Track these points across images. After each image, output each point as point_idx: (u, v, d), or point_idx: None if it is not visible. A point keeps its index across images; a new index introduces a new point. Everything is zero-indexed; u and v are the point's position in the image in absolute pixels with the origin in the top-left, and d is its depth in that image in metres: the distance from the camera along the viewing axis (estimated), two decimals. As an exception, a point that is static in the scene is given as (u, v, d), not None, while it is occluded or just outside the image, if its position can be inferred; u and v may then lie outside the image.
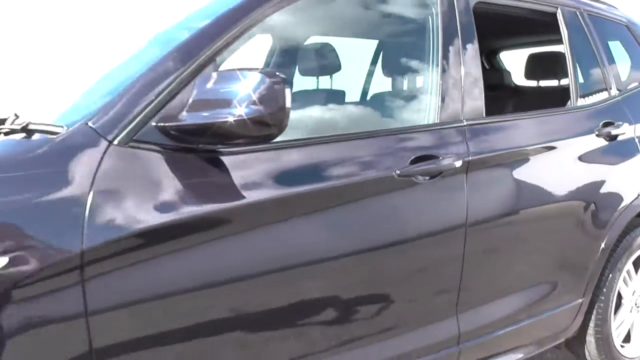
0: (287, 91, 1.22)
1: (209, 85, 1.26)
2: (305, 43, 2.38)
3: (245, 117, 1.22)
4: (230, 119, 1.23)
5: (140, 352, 1.27)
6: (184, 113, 1.25)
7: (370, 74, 2.27)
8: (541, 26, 2.32)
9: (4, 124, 1.81)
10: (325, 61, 2.35)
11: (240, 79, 1.24)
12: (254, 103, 1.21)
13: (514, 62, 3.17)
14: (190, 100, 1.26)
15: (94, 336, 1.21)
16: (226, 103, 1.24)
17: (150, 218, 1.24)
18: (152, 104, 1.30)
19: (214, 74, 1.28)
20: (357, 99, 2.23)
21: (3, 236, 1.13)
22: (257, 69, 1.26)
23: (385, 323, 1.64)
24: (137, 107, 1.29)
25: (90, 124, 1.27)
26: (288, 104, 1.22)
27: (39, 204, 1.17)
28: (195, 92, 1.26)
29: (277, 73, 1.24)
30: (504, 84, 2.90)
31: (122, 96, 1.31)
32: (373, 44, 2.52)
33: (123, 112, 1.28)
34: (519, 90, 2.91)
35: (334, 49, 2.35)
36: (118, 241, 1.21)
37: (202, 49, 1.38)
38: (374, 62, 2.18)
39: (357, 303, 1.57)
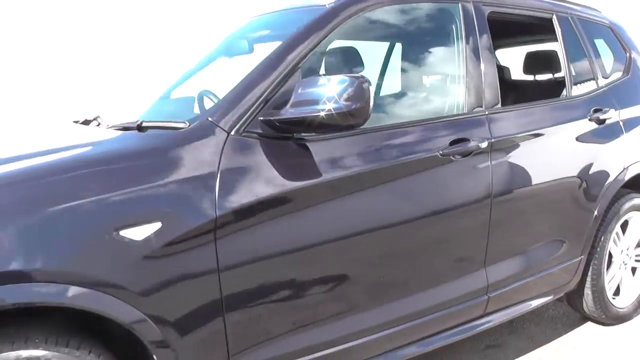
0: (371, 89, 1.58)
1: (306, 86, 1.61)
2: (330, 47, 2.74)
3: (333, 112, 1.58)
4: (322, 113, 1.58)
5: (255, 298, 1.62)
6: (288, 108, 1.60)
7: (398, 72, 2.65)
8: (539, 28, 2.73)
9: (88, 124, 2.16)
10: (352, 62, 2.70)
11: (328, 81, 1.60)
12: (344, 100, 1.56)
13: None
14: (293, 98, 1.61)
15: (223, 286, 1.55)
16: (317, 101, 1.59)
17: (261, 190, 1.60)
18: (258, 102, 1.65)
19: (309, 78, 1.64)
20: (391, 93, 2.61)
21: (156, 205, 1.47)
22: (343, 74, 1.61)
23: (432, 275, 2.02)
24: (247, 105, 1.64)
25: (210, 119, 1.62)
26: (371, 99, 1.58)
27: (181, 180, 1.51)
28: (296, 92, 1.61)
29: (362, 75, 1.60)
30: (505, 79, 3.30)
31: (234, 96, 1.66)
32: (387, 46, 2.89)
33: (237, 110, 1.63)
34: (516, 84, 3.32)
35: (358, 52, 2.72)
36: (240, 209, 1.56)
37: (291, 55, 1.73)
38: (403, 62, 2.54)
39: (413, 258, 1.96)
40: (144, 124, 1.72)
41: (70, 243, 1.34)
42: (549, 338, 2.70)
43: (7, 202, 1.33)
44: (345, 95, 1.57)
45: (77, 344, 1.41)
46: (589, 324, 2.83)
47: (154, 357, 1.47)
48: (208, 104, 2.34)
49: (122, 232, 1.39)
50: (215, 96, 2.25)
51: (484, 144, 2.06)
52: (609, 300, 2.74)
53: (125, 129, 1.82)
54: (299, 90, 1.61)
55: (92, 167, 1.45)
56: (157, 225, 1.45)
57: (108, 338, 1.49)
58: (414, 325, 1.96)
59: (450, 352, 2.52)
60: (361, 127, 1.70)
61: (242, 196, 1.57)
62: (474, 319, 2.18)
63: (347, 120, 1.58)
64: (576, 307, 2.79)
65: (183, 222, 1.49)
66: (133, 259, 1.40)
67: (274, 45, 2.01)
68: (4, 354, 1.31)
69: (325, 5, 1.94)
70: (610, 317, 2.77)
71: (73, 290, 1.33)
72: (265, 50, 2.24)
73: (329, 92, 1.58)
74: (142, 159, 1.51)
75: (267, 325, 1.66)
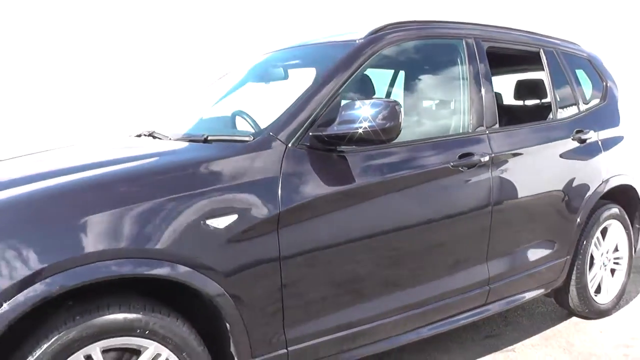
0: (402, 111, 1.97)
1: (348, 108, 1.99)
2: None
3: (369, 129, 1.95)
4: (360, 130, 1.96)
5: (306, 280, 1.97)
6: (334, 125, 1.98)
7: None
8: (528, 60, 3.16)
9: (153, 137, 2.53)
10: (366, 87, 3.10)
11: (366, 104, 1.98)
12: (379, 119, 1.94)
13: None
14: (339, 118, 1.98)
15: (283, 269, 1.90)
16: (356, 120, 1.97)
17: (313, 192, 1.96)
18: (309, 121, 2.02)
19: (352, 101, 2.01)
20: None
21: (233, 201, 1.82)
22: (380, 98, 2.00)
23: (446, 266, 2.40)
24: (300, 123, 2.01)
25: (272, 134, 1.99)
26: (402, 119, 1.97)
27: (252, 182, 1.87)
28: (341, 112, 1.99)
29: (395, 100, 1.99)
30: (498, 103, 3.73)
31: (288, 116, 2.03)
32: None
33: (292, 126, 2.00)
34: (507, 107, 3.75)
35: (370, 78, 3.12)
36: (296, 207, 1.92)
37: (331, 83, 2.12)
38: (416, 88, 2.95)
39: (430, 251, 2.34)
40: (209, 137, 2.10)
41: (175, 230, 1.69)
42: (540, 329, 3.08)
43: (134, 193, 1.68)
44: (380, 116, 1.95)
45: (167, 312, 1.74)
46: (574, 318, 3.21)
47: (228, 325, 1.81)
48: (241, 122, 2.73)
49: (209, 222, 1.74)
50: (249, 116, 2.64)
51: (486, 158, 2.46)
52: (591, 296, 3.13)
53: (191, 141, 2.18)
54: (343, 112, 1.99)
55: (184, 170, 1.81)
56: (234, 217, 1.80)
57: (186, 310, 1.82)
58: (432, 309, 2.33)
59: (454, 342, 2.88)
60: (397, 143, 2.10)
61: (298, 197, 1.93)
62: (477, 306, 2.56)
63: (381, 137, 1.96)
64: (563, 303, 3.17)
65: (254, 216, 1.84)
66: (217, 243, 1.75)
67: (310, 72, 2.42)
68: (113, 315, 1.63)
69: (355, 41, 2.34)
70: (592, 312, 3.16)
71: (180, 268, 1.67)
72: (300, 77, 2.64)
73: (366, 113, 1.96)
74: (221, 165, 1.87)
75: (313, 303, 2.01)
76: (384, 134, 1.96)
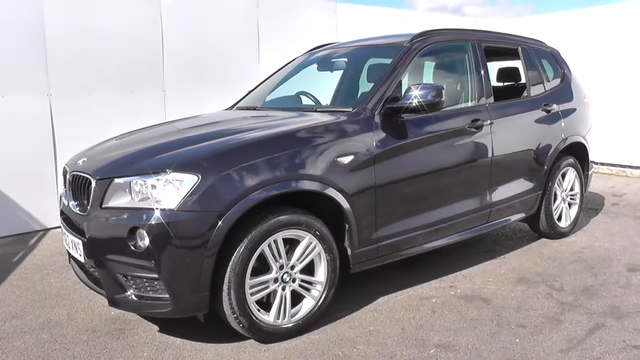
0: (443, 91, 3.10)
1: (412, 88, 3.10)
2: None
3: (423, 103, 3.07)
4: (414, 102, 3.08)
5: (390, 197, 3.07)
6: (401, 101, 3.09)
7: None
8: (509, 53, 4.37)
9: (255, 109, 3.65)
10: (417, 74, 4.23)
11: (421, 86, 3.09)
12: (430, 96, 3.06)
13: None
14: (403, 95, 3.09)
15: (377, 192, 2.99)
16: (415, 96, 3.09)
17: (389, 143, 3.07)
18: (385, 98, 3.14)
19: (414, 84, 3.11)
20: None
21: (351, 147, 2.90)
22: (429, 83, 3.13)
23: (465, 193, 3.58)
24: (383, 97, 3.12)
25: (364, 105, 3.09)
26: (444, 96, 3.10)
27: (359, 135, 2.95)
28: (407, 92, 3.10)
29: (440, 84, 3.12)
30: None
31: (373, 95, 3.14)
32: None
33: (379, 100, 3.11)
34: (494, 87, 4.96)
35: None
36: (381, 152, 3.02)
37: (395, 72, 3.24)
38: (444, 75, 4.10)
39: (457, 184, 3.52)
40: (317, 109, 3.21)
41: (323, 163, 2.78)
42: (520, 246, 4.35)
43: (299, 141, 2.75)
44: (429, 95, 3.06)
45: (314, 216, 2.82)
46: (542, 239, 4.49)
47: (347, 226, 2.90)
48: (306, 100, 3.87)
49: (338, 159, 2.84)
50: (312, 95, 3.79)
51: (487, 122, 3.65)
52: (555, 222, 4.41)
53: (304, 110, 3.29)
54: (405, 92, 3.10)
55: (325, 128, 2.91)
56: (351, 157, 2.90)
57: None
58: (459, 222, 3.53)
59: (463, 255, 4.09)
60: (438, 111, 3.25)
61: (382, 145, 3.04)
62: (482, 223, 3.76)
63: (429, 108, 3.08)
64: (534, 226, 4.43)
65: (361, 156, 2.93)
66: (343, 172, 2.85)
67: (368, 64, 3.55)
68: (290, 215, 2.69)
69: (404, 44, 3.47)
70: (556, 234, 4.44)
71: (324, 186, 2.76)
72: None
73: (420, 92, 3.08)
74: (342, 125, 2.96)
75: (390, 214, 3.14)
76: (432, 107, 3.08)
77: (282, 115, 3.30)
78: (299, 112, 3.35)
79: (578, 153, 4.58)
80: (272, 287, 2.70)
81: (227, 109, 4.20)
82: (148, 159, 2.65)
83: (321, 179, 2.76)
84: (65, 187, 3.06)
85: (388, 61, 3.46)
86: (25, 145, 4.94)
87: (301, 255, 2.77)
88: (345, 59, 3.97)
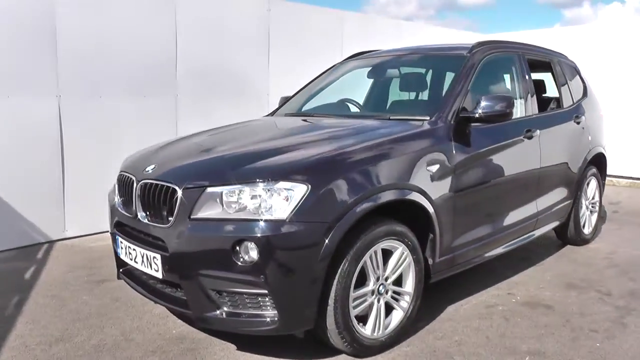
0: (514, 101, 3.17)
1: (484, 100, 3.14)
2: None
3: (491, 113, 3.12)
4: (487, 112, 3.12)
5: (466, 206, 3.09)
6: (475, 110, 3.12)
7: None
8: (543, 66, 4.51)
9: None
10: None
11: (494, 98, 3.13)
12: (499, 107, 3.10)
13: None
14: (479, 107, 3.13)
15: (455, 201, 3.01)
16: (487, 106, 3.13)
17: (464, 151, 3.10)
18: (457, 108, 3.16)
19: (486, 95, 3.16)
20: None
21: (437, 155, 2.90)
22: (501, 94, 3.19)
23: (521, 202, 3.67)
24: (457, 107, 3.14)
25: (442, 114, 3.10)
26: (514, 107, 3.16)
27: (441, 143, 2.96)
28: (479, 102, 3.13)
29: (510, 95, 3.18)
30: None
31: (448, 102, 3.16)
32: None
33: (452, 110, 3.13)
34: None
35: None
36: (459, 161, 3.04)
37: (462, 83, 3.28)
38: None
39: (517, 194, 3.60)
40: (392, 117, 3.20)
41: (418, 172, 2.76)
42: (550, 254, 4.50)
43: (391, 151, 2.72)
44: (499, 106, 3.11)
45: (406, 226, 2.79)
46: (568, 246, 4.67)
47: (431, 235, 2.89)
48: (351, 106, 3.87)
49: (428, 168, 2.84)
50: (356, 101, 3.81)
51: (537, 133, 3.77)
52: (581, 229, 4.59)
53: (377, 118, 3.28)
54: (479, 102, 3.14)
55: (411, 138, 2.89)
56: (437, 166, 2.90)
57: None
58: (517, 229, 3.60)
59: (506, 262, 4.18)
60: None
61: (460, 154, 3.06)
62: (531, 230, 3.87)
63: (499, 119, 3.14)
64: (561, 234, 4.60)
65: (445, 165, 2.93)
66: (431, 181, 2.84)
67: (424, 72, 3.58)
68: (389, 226, 2.64)
69: (464, 54, 3.52)
70: (581, 240, 4.64)
71: (414, 195, 2.74)
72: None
73: (491, 102, 3.13)
74: (430, 134, 2.97)
75: (467, 222, 3.16)
76: (503, 117, 3.14)
77: (359, 123, 3.25)
78: (372, 119, 3.32)
79: (598, 163, 4.80)
80: (369, 299, 2.65)
81: (273, 115, 4.12)
82: (243, 167, 2.51)
83: (418, 188, 2.75)
84: (123, 196, 2.89)
85: (449, 71, 3.51)
86: (31, 149, 4.61)
87: (395, 266, 2.74)
88: (398, 68, 3.99)
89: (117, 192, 2.97)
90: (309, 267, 2.33)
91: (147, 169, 2.73)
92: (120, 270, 3.01)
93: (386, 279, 2.72)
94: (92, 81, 4.89)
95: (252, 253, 2.27)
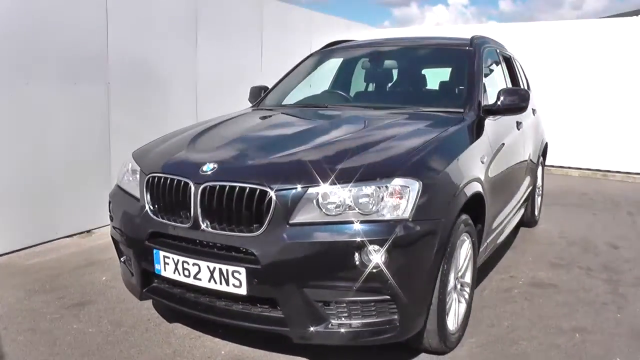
0: (530, 93, 3.30)
1: (503, 93, 3.21)
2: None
3: (510, 105, 3.22)
4: (507, 104, 3.22)
5: (492, 189, 3.14)
6: (496, 103, 3.19)
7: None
8: (506, 61, 4.79)
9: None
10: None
11: (511, 90, 3.25)
12: (517, 100, 3.21)
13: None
14: (499, 99, 3.19)
15: (484, 184, 3.05)
16: (508, 100, 3.22)
17: (493, 141, 3.16)
18: (480, 101, 3.21)
19: (505, 88, 3.25)
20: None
21: (483, 145, 2.92)
22: (518, 87, 3.31)
23: (517, 188, 3.86)
24: (480, 99, 3.19)
25: (475, 106, 3.12)
26: (530, 100, 3.29)
27: (482, 135, 2.98)
28: (498, 95, 3.20)
29: (525, 88, 3.31)
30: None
31: (473, 94, 3.19)
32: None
33: (479, 102, 3.17)
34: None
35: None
36: (493, 150, 3.10)
37: (481, 74, 3.35)
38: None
39: (515, 181, 3.77)
40: (426, 110, 3.15)
41: (480, 164, 2.74)
42: (514, 236, 4.82)
43: (454, 148, 2.64)
44: (520, 97, 3.23)
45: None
46: (523, 229, 5.05)
47: (481, 228, 2.91)
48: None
49: (479, 158, 2.83)
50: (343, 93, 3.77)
51: (522, 125, 4.01)
52: (534, 211, 5.01)
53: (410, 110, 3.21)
54: (500, 95, 3.21)
55: (469, 130, 2.87)
56: (485, 157, 2.91)
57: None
58: (513, 216, 3.78)
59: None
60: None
61: (491, 145, 3.11)
62: (517, 214, 4.11)
63: (517, 111, 3.24)
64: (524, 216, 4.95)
65: (486, 155, 2.94)
66: (482, 170, 2.84)
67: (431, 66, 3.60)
68: (464, 218, 2.58)
69: (467, 48, 3.60)
70: (534, 222, 5.07)
71: (479, 186, 2.72)
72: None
73: (511, 95, 3.23)
74: (475, 126, 2.97)
75: (493, 211, 3.22)
76: (520, 110, 3.24)
77: (402, 116, 3.15)
78: (405, 111, 3.23)
79: (545, 153, 5.27)
80: (452, 295, 2.58)
81: (257, 106, 3.80)
82: (344, 166, 2.25)
83: (479, 179, 2.75)
84: (162, 202, 2.41)
85: (455, 63, 3.58)
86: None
87: (464, 259, 2.70)
88: (396, 60, 3.93)
89: (147, 197, 2.48)
90: (426, 267, 2.21)
91: (203, 169, 2.32)
92: (145, 289, 2.53)
93: (459, 272, 2.66)
94: (17, 66, 4.04)
95: (375, 257, 2.05)
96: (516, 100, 3.19)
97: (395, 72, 3.99)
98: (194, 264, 2.24)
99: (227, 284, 2.17)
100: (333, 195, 2.13)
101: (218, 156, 2.47)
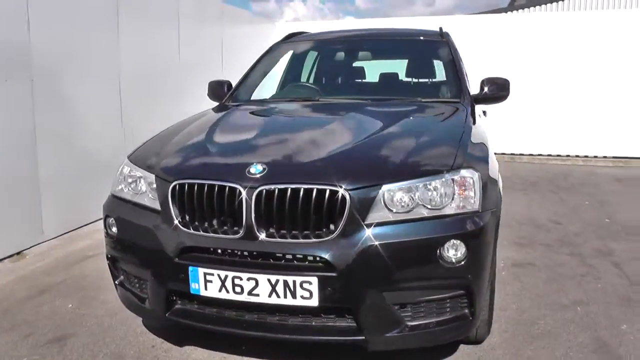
0: (509, 83, 3.40)
1: (486, 82, 3.29)
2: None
3: (491, 95, 3.31)
4: (490, 94, 3.31)
5: None
6: (480, 92, 3.25)
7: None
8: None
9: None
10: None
11: (495, 81, 3.33)
12: (496, 89, 3.31)
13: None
14: (482, 87, 3.25)
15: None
16: (491, 89, 3.30)
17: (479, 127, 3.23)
18: (467, 88, 3.26)
19: (486, 78, 3.32)
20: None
21: (481, 129, 2.96)
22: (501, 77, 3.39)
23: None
24: (468, 89, 3.23)
25: (465, 98, 3.15)
26: (509, 89, 3.38)
27: (474, 118, 3.02)
28: (481, 84, 3.27)
29: (506, 78, 3.40)
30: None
31: (463, 84, 3.23)
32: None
33: (469, 92, 3.21)
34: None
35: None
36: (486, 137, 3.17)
37: (461, 63, 3.38)
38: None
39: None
40: (429, 101, 3.13)
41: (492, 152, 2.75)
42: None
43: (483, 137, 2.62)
44: (502, 86, 3.32)
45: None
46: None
47: None
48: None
49: (487, 145, 2.85)
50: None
51: (482, 112, 4.15)
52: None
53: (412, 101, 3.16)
54: (484, 85, 3.28)
55: (475, 120, 2.84)
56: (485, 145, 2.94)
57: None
58: None
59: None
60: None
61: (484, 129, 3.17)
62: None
63: (500, 100, 3.31)
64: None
65: (485, 138, 2.98)
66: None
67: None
68: None
69: (442, 39, 3.64)
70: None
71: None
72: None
73: (495, 84, 3.32)
74: (472, 116, 2.94)
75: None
76: (502, 99, 3.32)
77: (412, 106, 3.10)
78: (408, 101, 3.18)
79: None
80: None
81: (226, 102, 3.51)
82: (410, 161, 2.17)
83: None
84: (195, 211, 2.10)
85: (433, 54, 3.61)
86: None
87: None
88: (379, 52, 3.85)
89: (173, 208, 2.13)
90: (490, 257, 2.18)
91: (250, 172, 2.05)
92: (167, 313, 2.20)
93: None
94: None
95: (459, 252, 1.98)
96: (498, 89, 3.28)
97: (376, 64, 3.93)
98: (249, 279, 1.97)
99: (294, 296, 1.95)
100: (401, 192, 2.02)
101: (261, 156, 2.21)
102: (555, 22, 8.68)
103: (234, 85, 3.70)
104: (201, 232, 2.08)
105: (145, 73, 5.70)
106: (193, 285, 2.06)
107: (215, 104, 3.61)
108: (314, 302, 1.95)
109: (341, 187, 1.96)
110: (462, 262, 1.98)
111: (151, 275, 2.17)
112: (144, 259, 2.20)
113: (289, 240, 1.99)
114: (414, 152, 2.25)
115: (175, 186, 2.13)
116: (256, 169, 2.06)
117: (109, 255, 2.42)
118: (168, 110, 5.79)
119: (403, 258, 1.96)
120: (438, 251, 1.96)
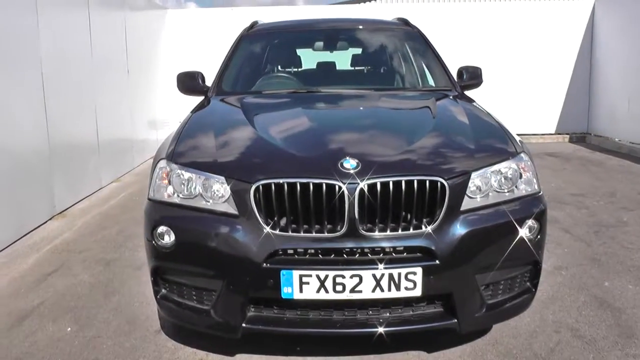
0: (481, 70, 3.64)
1: (465, 70, 3.50)
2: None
3: (468, 83, 3.53)
4: (470, 81, 3.52)
5: None
6: (462, 79, 3.46)
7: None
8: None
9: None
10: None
11: (472, 68, 3.55)
12: (475, 75, 3.53)
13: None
14: (461, 74, 3.46)
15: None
16: (470, 77, 3.52)
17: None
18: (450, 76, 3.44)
19: (463, 66, 3.52)
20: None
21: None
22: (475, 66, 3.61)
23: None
24: (450, 78, 3.41)
25: (456, 88, 3.32)
26: (482, 76, 3.61)
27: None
28: (462, 73, 3.47)
29: (478, 66, 3.62)
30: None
31: (447, 72, 3.40)
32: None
33: (453, 79, 3.39)
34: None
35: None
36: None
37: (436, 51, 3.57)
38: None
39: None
40: (422, 89, 3.24)
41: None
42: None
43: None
44: (478, 73, 3.55)
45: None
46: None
47: None
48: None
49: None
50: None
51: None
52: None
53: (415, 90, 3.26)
54: (464, 73, 3.50)
55: (480, 108, 2.98)
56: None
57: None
58: None
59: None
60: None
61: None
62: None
63: (476, 86, 3.55)
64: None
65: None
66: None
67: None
68: None
69: (411, 28, 3.81)
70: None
71: None
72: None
73: (473, 72, 3.55)
74: (472, 102, 3.10)
75: None
76: (477, 85, 3.57)
77: (422, 95, 3.24)
78: (410, 91, 3.27)
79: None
80: None
81: (212, 95, 3.34)
82: (473, 147, 2.29)
83: None
84: (285, 214, 2.01)
85: (407, 44, 3.77)
86: None
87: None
88: (345, 41, 3.88)
89: (258, 211, 2.02)
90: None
91: (344, 167, 2.01)
92: (243, 324, 2.08)
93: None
94: None
95: (534, 230, 2.18)
96: (474, 76, 3.53)
97: (352, 54, 3.95)
98: (352, 276, 1.94)
99: (398, 288, 1.97)
100: (479, 178, 2.15)
101: (348, 149, 2.16)
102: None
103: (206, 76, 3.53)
104: (294, 233, 1.99)
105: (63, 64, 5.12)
106: (285, 290, 1.97)
107: (183, 96, 3.54)
108: (417, 291, 2.00)
109: (442, 177, 2.02)
110: (537, 239, 2.18)
111: (225, 285, 2.03)
112: (216, 268, 2.04)
113: (391, 233, 2.00)
114: (478, 140, 2.37)
115: (258, 187, 2.01)
116: (350, 164, 2.03)
117: (156, 268, 2.20)
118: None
119: (493, 241, 2.11)
120: (520, 231, 2.13)
